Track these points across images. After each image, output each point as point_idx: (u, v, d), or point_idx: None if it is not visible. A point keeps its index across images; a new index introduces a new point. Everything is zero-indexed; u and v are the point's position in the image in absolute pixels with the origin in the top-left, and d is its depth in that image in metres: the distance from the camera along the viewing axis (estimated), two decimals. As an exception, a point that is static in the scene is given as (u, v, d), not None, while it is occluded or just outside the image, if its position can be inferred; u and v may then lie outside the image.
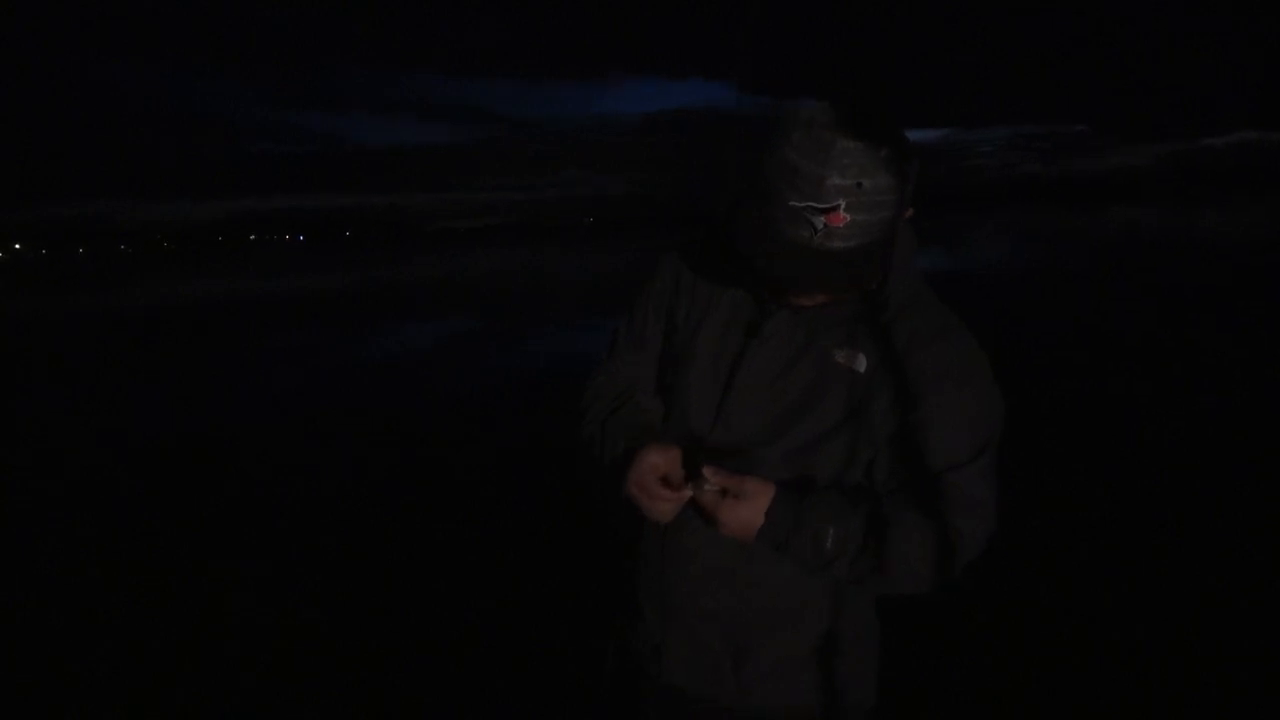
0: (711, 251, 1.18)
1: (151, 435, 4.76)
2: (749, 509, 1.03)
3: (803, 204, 0.90)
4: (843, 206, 0.89)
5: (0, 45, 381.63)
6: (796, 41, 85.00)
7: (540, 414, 4.60)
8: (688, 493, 1.04)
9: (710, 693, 1.16)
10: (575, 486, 3.39)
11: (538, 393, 5.72)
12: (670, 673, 1.18)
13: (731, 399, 1.10)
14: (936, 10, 71.77)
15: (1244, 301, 8.37)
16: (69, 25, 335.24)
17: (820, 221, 0.90)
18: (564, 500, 3.32)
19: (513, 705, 2.10)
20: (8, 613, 2.76)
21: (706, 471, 1.03)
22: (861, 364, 1.04)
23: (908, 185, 0.94)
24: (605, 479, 1.13)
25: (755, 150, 0.99)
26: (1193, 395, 4.75)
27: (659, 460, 1.06)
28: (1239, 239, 17.42)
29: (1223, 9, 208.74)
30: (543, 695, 2.12)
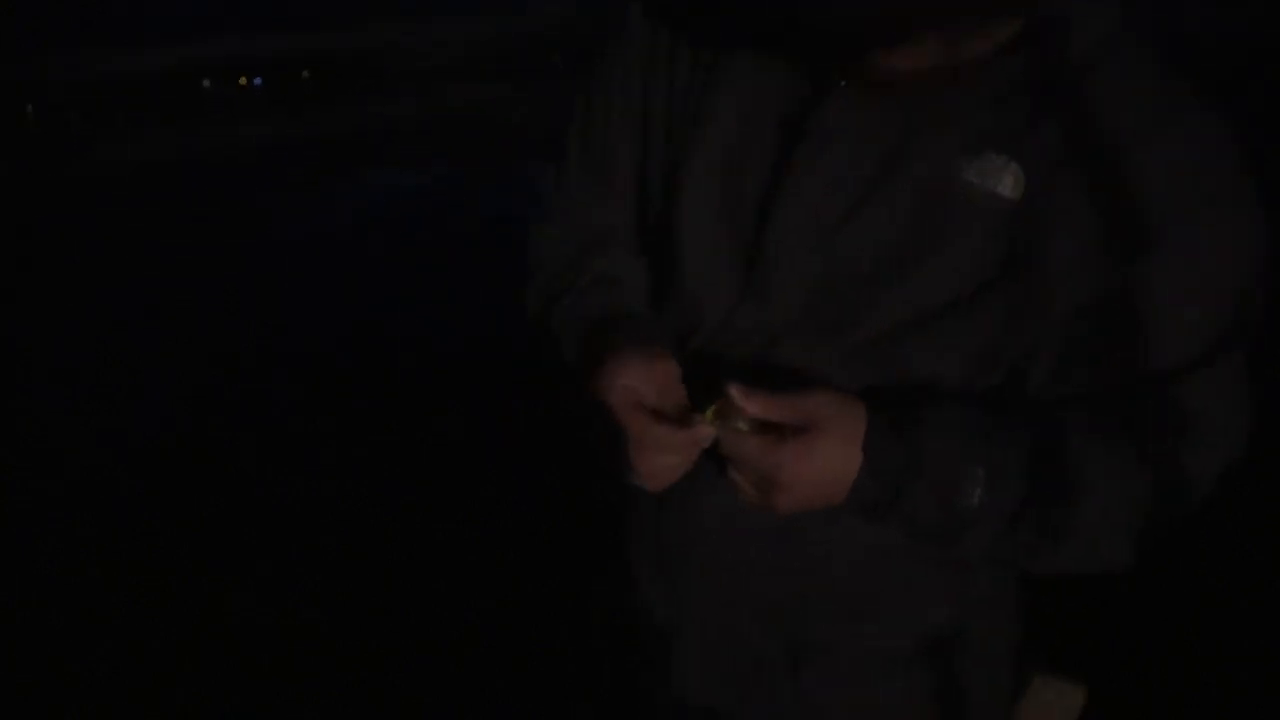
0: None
1: (151, 435, 4.76)
2: (826, 458, 0.55)
3: None
4: None
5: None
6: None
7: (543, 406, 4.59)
8: (704, 429, 0.59)
9: (749, 710, 0.74)
10: (575, 486, 3.39)
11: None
12: (686, 677, 0.75)
13: (770, 253, 0.63)
14: None
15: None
16: None
17: None
18: (564, 500, 3.32)
19: (513, 705, 2.11)
20: (8, 613, 2.76)
21: (734, 393, 0.56)
22: (1012, 183, 0.55)
23: None
24: (569, 401, 0.71)
25: None
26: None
27: (639, 380, 0.61)
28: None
29: None
30: (543, 695, 2.12)
